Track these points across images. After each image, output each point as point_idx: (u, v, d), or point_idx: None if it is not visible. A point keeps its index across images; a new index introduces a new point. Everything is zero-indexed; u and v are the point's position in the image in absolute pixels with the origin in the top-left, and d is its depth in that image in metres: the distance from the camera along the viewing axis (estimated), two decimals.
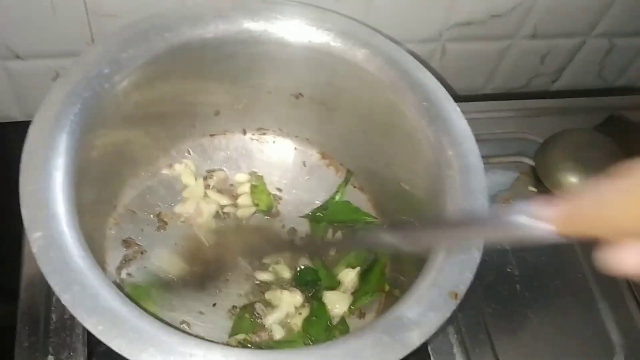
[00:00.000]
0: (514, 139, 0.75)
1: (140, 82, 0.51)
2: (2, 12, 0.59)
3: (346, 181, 0.64)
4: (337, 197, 0.63)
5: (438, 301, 0.42)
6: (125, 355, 0.37)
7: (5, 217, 0.63)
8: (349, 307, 0.56)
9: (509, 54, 0.80)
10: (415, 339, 0.40)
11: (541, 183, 0.69)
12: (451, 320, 0.43)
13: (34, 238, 0.39)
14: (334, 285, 0.57)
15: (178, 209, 0.59)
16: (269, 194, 0.62)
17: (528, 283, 0.64)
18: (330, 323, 0.55)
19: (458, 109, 0.52)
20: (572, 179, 0.67)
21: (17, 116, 0.72)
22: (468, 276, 0.44)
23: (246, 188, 0.61)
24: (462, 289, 0.43)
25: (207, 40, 0.52)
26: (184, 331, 0.40)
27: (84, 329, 0.55)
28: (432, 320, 0.41)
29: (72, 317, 0.56)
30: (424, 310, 0.42)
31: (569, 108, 0.81)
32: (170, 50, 0.51)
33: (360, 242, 0.58)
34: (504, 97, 0.86)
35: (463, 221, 0.44)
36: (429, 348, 0.57)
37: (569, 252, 0.68)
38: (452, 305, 0.42)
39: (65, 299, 0.38)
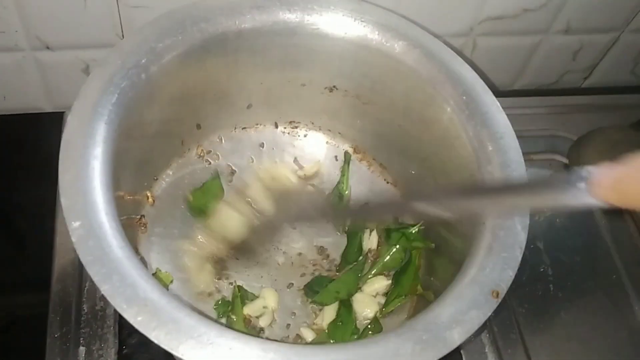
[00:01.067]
0: (546, 137, 0.74)
1: (176, 73, 0.50)
2: (34, 2, 0.59)
3: (347, 162, 0.63)
4: (344, 182, 0.62)
5: (479, 299, 0.41)
6: (164, 346, 0.36)
7: (37, 208, 0.63)
8: (381, 310, 0.55)
9: (541, 50, 0.79)
10: (456, 337, 0.39)
11: None
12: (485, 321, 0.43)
13: (74, 227, 0.39)
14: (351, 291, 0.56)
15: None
16: None
17: (562, 283, 0.64)
18: (357, 327, 0.54)
19: (497, 102, 0.50)
20: None
21: (46, 107, 0.72)
22: (509, 274, 0.43)
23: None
24: (503, 287, 0.42)
25: (243, 30, 0.51)
26: (222, 324, 0.39)
27: (116, 320, 0.55)
28: (473, 319, 0.40)
29: (103, 309, 0.56)
30: (465, 308, 0.41)
31: (601, 105, 0.80)
32: (206, 41, 0.51)
33: (391, 209, 0.57)
34: (533, 93, 0.85)
35: (507, 185, 0.42)
36: (461, 348, 0.57)
37: (603, 252, 0.67)
38: (494, 303, 0.41)
39: (105, 289, 0.37)
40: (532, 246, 0.65)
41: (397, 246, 0.57)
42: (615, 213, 0.68)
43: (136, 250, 0.53)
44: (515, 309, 0.61)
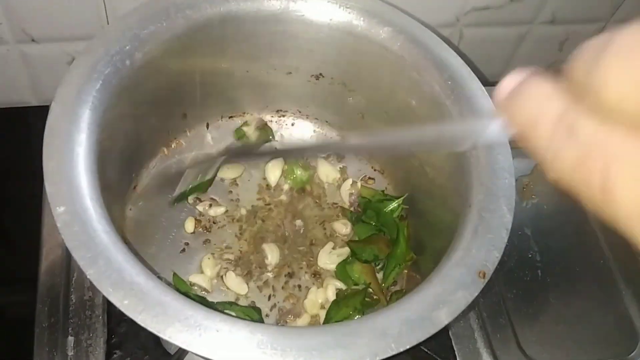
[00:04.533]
0: None
1: (161, 60, 0.50)
2: None
3: None
4: None
5: (466, 280, 0.41)
6: (151, 329, 0.36)
7: (23, 201, 0.63)
8: (381, 285, 0.55)
9: (527, 40, 0.79)
10: (443, 318, 0.39)
11: None
12: (473, 305, 0.43)
13: (58, 213, 0.39)
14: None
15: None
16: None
17: (550, 268, 0.64)
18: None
19: (483, 87, 0.51)
20: None
21: (32, 101, 0.71)
22: (496, 256, 0.43)
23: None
24: (490, 268, 0.42)
25: (228, 17, 0.51)
26: (209, 306, 0.39)
27: (104, 309, 0.54)
28: (460, 299, 0.40)
29: (91, 298, 0.55)
30: (452, 289, 0.41)
31: None
32: (191, 28, 0.50)
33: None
34: None
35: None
36: (450, 332, 0.57)
37: (590, 238, 0.67)
38: (480, 284, 0.41)
39: (90, 273, 0.37)
40: (519, 232, 0.66)
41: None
42: None
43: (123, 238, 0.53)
44: (504, 294, 0.61)
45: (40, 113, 0.68)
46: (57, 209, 0.39)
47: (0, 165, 0.67)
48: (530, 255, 0.64)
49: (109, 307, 0.55)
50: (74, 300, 0.55)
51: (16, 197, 0.65)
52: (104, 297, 0.54)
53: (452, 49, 0.52)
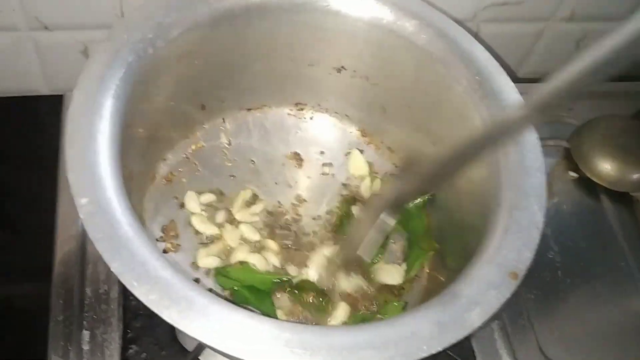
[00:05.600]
0: (551, 122, 0.73)
1: (183, 49, 0.49)
2: None
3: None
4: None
5: (497, 280, 0.40)
6: (177, 325, 0.35)
7: (36, 193, 0.62)
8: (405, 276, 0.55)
9: (544, 37, 0.78)
10: (475, 319, 0.38)
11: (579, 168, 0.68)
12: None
13: (81, 204, 0.38)
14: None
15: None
16: None
17: (570, 269, 0.63)
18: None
19: (511, 82, 0.50)
20: (607, 166, 0.66)
21: (43, 90, 0.70)
22: (527, 256, 0.42)
23: None
24: (521, 268, 0.41)
25: (251, 6, 0.50)
26: (235, 303, 0.38)
27: (120, 303, 0.54)
28: (492, 300, 0.39)
29: (107, 292, 0.54)
30: (484, 289, 0.40)
31: (606, 93, 0.80)
32: (214, 17, 0.49)
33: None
34: (537, 82, 0.85)
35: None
36: (471, 334, 0.56)
37: (610, 238, 0.66)
38: (513, 285, 0.40)
39: (115, 266, 0.36)
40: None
41: None
42: (621, 198, 0.67)
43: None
44: (524, 294, 0.60)
45: (51, 102, 0.68)
46: (80, 200, 0.38)
47: (11, 155, 0.66)
48: (550, 256, 0.63)
49: (125, 301, 0.54)
50: (89, 294, 0.54)
51: (28, 188, 0.64)
52: (119, 290, 0.54)
53: None
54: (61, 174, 0.60)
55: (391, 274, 0.54)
